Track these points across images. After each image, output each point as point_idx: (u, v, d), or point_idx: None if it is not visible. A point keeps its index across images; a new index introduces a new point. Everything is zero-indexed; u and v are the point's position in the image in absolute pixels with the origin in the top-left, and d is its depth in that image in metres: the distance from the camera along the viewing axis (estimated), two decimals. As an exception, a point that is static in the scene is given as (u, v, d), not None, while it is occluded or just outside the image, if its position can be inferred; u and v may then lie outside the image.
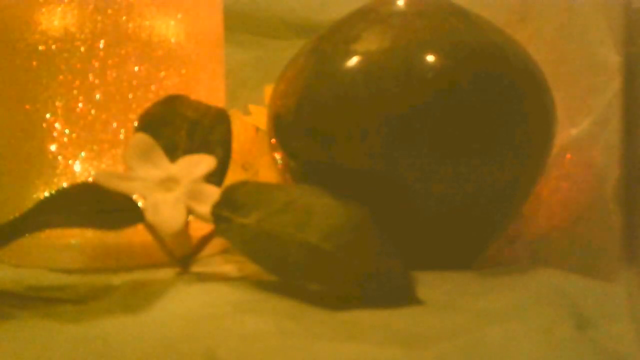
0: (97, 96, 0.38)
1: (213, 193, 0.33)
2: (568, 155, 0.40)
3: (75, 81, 0.38)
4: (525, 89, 0.34)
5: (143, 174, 0.33)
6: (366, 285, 0.28)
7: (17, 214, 0.30)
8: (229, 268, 0.36)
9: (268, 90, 0.44)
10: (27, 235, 0.31)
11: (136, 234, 0.34)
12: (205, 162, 0.33)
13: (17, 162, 0.39)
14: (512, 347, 0.23)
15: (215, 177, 0.34)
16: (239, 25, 0.59)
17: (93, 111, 0.38)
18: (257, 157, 0.46)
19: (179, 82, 0.40)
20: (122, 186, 0.32)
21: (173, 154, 0.34)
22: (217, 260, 0.38)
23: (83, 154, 0.38)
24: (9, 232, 0.30)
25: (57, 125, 0.38)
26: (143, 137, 0.34)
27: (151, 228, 0.33)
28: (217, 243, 0.38)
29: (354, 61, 0.34)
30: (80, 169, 0.38)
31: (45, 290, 0.32)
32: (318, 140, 0.34)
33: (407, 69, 0.33)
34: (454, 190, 0.33)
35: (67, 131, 0.38)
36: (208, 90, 0.42)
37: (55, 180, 0.38)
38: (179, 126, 0.36)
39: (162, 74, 0.39)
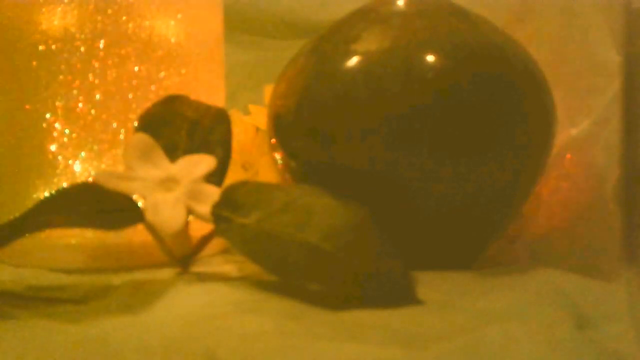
0: (97, 96, 0.38)
1: (213, 193, 0.33)
2: (568, 155, 0.40)
3: (75, 81, 0.38)
4: (525, 89, 0.34)
5: (143, 174, 0.33)
6: (366, 285, 0.28)
7: (17, 214, 0.30)
8: (229, 268, 0.36)
9: (268, 90, 0.44)
10: (27, 235, 0.31)
11: (136, 234, 0.34)
12: (205, 162, 0.33)
13: (17, 162, 0.39)
14: (512, 347, 0.23)
15: (215, 177, 0.34)
16: (239, 25, 0.59)
17: (93, 111, 0.38)
18: (257, 157, 0.46)
19: (179, 82, 0.40)
20: (122, 186, 0.32)
21: (173, 154, 0.34)
22: (217, 260, 0.38)
23: (83, 154, 0.38)
24: (9, 232, 0.30)
25: (57, 125, 0.38)
26: (143, 137, 0.34)
27: (151, 228, 0.33)
28: (217, 243, 0.38)
29: (354, 61, 0.34)
30: (80, 169, 0.38)
31: (45, 290, 0.32)
32: (318, 140, 0.34)
33: (407, 69, 0.33)
34: (454, 190, 0.33)
35: (67, 131, 0.38)
36: (208, 90, 0.42)
37: (55, 180, 0.38)
38: (179, 126, 0.36)
39: (162, 74, 0.39)
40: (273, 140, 0.37)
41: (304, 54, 0.37)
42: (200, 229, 0.34)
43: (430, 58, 0.33)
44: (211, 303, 0.28)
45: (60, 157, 0.38)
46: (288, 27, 0.61)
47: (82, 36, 0.38)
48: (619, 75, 0.36)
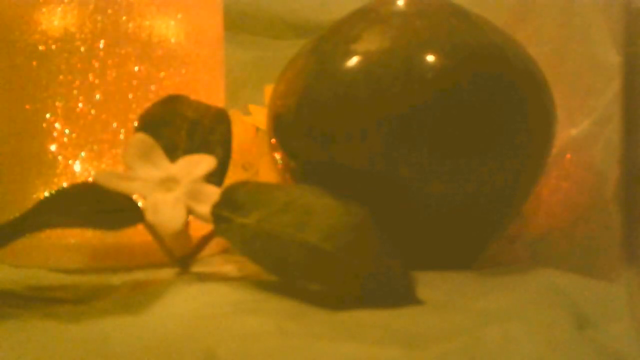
0: (97, 96, 0.38)
1: (213, 193, 0.33)
2: (568, 155, 0.40)
3: (75, 81, 0.38)
4: (525, 89, 0.34)
5: (143, 174, 0.33)
6: (366, 285, 0.28)
7: (17, 214, 0.30)
8: (229, 268, 0.36)
9: (268, 90, 0.44)
10: (27, 235, 0.31)
11: (136, 234, 0.34)
12: (205, 162, 0.33)
13: (17, 162, 0.39)
14: (512, 347, 0.23)
15: (215, 177, 0.34)
16: (239, 25, 0.59)
17: (93, 111, 0.38)
18: (257, 157, 0.46)
19: (179, 82, 0.40)
20: (122, 186, 0.32)
21: (173, 154, 0.34)
22: (217, 260, 0.38)
23: (83, 154, 0.38)
24: (9, 232, 0.30)
25: (57, 125, 0.38)
26: (143, 137, 0.34)
27: (151, 228, 0.33)
28: (217, 243, 0.38)
29: (354, 61, 0.34)
30: (80, 169, 0.38)
31: (45, 290, 0.32)
32: (318, 140, 0.34)
33: (407, 69, 0.33)
34: (454, 190, 0.33)
35: (67, 131, 0.38)
36: (208, 90, 0.42)
37: (55, 180, 0.38)
38: (179, 126, 0.36)
39: (162, 74, 0.39)
40: (273, 140, 0.37)
41: (304, 54, 0.37)
42: (200, 229, 0.34)
43: (430, 58, 0.33)
44: (211, 303, 0.28)
45: (60, 157, 0.38)
46: (288, 27, 0.61)
47: (82, 36, 0.38)
48: (619, 75, 0.36)
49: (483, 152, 0.33)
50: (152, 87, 0.39)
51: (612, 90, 0.38)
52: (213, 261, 0.38)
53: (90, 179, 0.38)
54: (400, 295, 0.28)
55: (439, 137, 0.33)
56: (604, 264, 0.36)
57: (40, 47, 0.38)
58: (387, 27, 0.35)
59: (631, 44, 0.32)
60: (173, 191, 0.33)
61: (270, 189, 0.33)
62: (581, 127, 0.39)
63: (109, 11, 0.38)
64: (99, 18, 0.38)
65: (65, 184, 0.38)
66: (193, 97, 0.38)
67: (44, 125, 0.38)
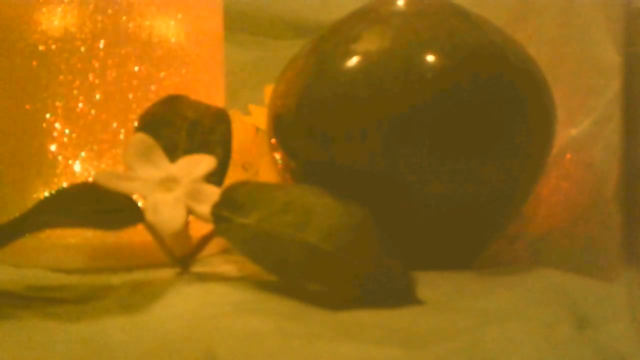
0: (97, 96, 0.38)
1: (213, 193, 0.33)
2: (568, 155, 0.40)
3: (75, 81, 0.38)
4: (525, 89, 0.34)
5: (143, 174, 0.33)
6: (366, 285, 0.28)
7: (17, 214, 0.30)
8: (229, 268, 0.36)
9: (268, 90, 0.44)
10: (27, 235, 0.31)
11: (136, 234, 0.34)
12: (205, 162, 0.33)
13: (17, 162, 0.39)
14: (512, 347, 0.23)
15: (215, 177, 0.34)
16: (239, 25, 0.59)
17: (93, 111, 0.38)
18: (257, 157, 0.46)
19: (179, 82, 0.40)
20: (122, 186, 0.32)
21: (173, 154, 0.34)
22: (217, 260, 0.38)
23: (83, 154, 0.38)
24: (9, 232, 0.30)
25: (57, 125, 0.38)
26: (143, 137, 0.34)
27: (151, 228, 0.33)
28: (217, 243, 0.38)
29: (354, 61, 0.34)
30: (80, 169, 0.38)
31: (45, 290, 0.32)
32: (318, 140, 0.34)
33: (407, 69, 0.33)
34: (454, 190, 0.33)
35: (67, 131, 0.38)
36: (208, 90, 0.42)
37: (55, 180, 0.38)
38: (179, 126, 0.36)
39: (162, 74, 0.39)
40: (273, 140, 0.37)
41: (304, 54, 0.37)
42: (200, 229, 0.34)
43: (430, 58, 0.33)
44: (211, 303, 0.28)
45: (60, 157, 0.38)
46: (288, 27, 0.61)
47: (82, 36, 0.38)
48: (619, 75, 0.36)
49: (483, 152, 0.33)
50: (152, 87, 0.39)
51: (612, 90, 0.38)
52: (213, 261, 0.38)
53: (90, 179, 0.38)
54: (400, 295, 0.28)
55: (439, 137, 0.33)
56: (604, 264, 0.36)
57: (40, 47, 0.38)
58: (387, 27, 0.35)
59: (631, 44, 0.32)
60: (173, 191, 0.33)
61: (270, 189, 0.33)
62: (581, 127, 0.39)
63: (109, 11, 0.38)
64: (99, 18, 0.38)
65: (65, 184, 0.38)
66: (193, 97, 0.38)
67: (44, 125, 0.38)
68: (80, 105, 0.38)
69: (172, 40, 0.40)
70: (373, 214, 0.30)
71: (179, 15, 0.40)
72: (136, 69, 0.39)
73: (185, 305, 0.28)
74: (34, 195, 0.38)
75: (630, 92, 0.31)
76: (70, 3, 0.38)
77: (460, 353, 0.23)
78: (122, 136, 0.38)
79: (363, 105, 0.33)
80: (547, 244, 0.40)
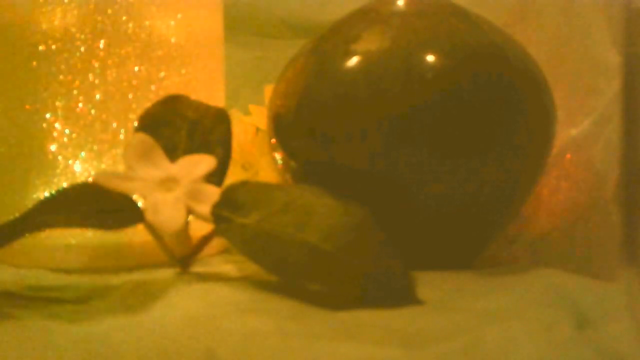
0: (97, 96, 0.38)
1: (213, 193, 0.33)
2: (568, 155, 0.40)
3: (75, 81, 0.38)
4: (525, 89, 0.34)
5: (143, 174, 0.33)
6: (366, 285, 0.28)
7: (17, 214, 0.30)
8: (229, 268, 0.36)
9: (268, 90, 0.44)
10: (27, 235, 0.31)
11: (136, 234, 0.34)
12: (205, 162, 0.33)
13: (17, 162, 0.39)
14: (512, 347, 0.23)
15: (215, 177, 0.34)
16: (239, 25, 0.59)
17: (93, 111, 0.38)
18: (257, 157, 0.46)
19: (179, 82, 0.40)
20: (122, 186, 0.32)
21: (173, 154, 0.34)
22: (217, 260, 0.38)
23: (83, 154, 0.38)
24: (9, 232, 0.30)
25: (57, 125, 0.38)
26: (143, 137, 0.34)
27: (151, 228, 0.33)
28: (217, 243, 0.38)
29: (354, 61, 0.34)
30: (80, 169, 0.38)
31: (45, 290, 0.32)
32: (318, 140, 0.34)
33: (407, 69, 0.33)
34: (454, 190, 0.33)
35: (67, 131, 0.38)
36: (208, 90, 0.42)
37: (55, 180, 0.38)
38: (179, 126, 0.36)
39: (162, 74, 0.39)
40: (273, 140, 0.37)
41: (304, 54, 0.37)
42: (200, 229, 0.34)
43: (430, 58, 0.33)
44: (211, 303, 0.28)
45: (60, 157, 0.38)
46: (288, 27, 0.61)
47: (82, 36, 0.38)
48: (619, 75, 0.36)
49: (483, 152, 0.33)
50: (152, 87, 0.39)
51: (612, 90, 0.38)
52: (213, 261, 0.38)
53: (90, 179, 0.38)
54: (400, 295, 0.28)
55: (439, 137, 0.33)
56: (604, 264, 0.36)
57: (40, 47, 0.38)
58: (387, 27, 0.35)
59: (631, 44, 0.32)
60: (173, 191, 0.33)
61: (270, 189, 0.33)
62: (581, 127, 0.39)
63: (109, 11, 0.38)
64: (99, 18, 0.38)
65: (65, 184, 0.38)
66: (193, 97, 0.38)
67: (44, 125, 0.38)
68: (80, 105, 0.38)
69: (172, 40, 0.40)
70: (373, 214, 0.30)
71: (179, 15, 0.40)
72: (136, 69, 0.39)
73: (185, 305, 0.28)
74: (34, 195, 0.38)
75: (630, 92, 0.31)
76: (70, 3, 0.38)
77: (460, 353, 0.23)
78: (122, 136, 0.38)
79: (363, 105, 0.33)
80: (547, 244, 0.39)
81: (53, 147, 0.38)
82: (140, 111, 0.37)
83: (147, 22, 0.39)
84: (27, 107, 0.38)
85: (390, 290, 0.28)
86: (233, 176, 0.37)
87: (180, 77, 0.40)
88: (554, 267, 0.33)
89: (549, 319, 0.25)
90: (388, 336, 0.24)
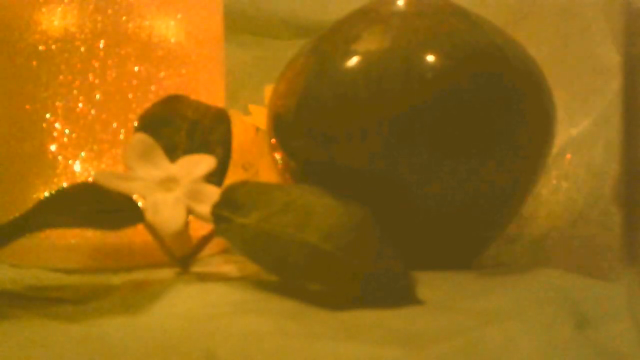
0: (97, 96, 0.38)
1: (213, 193, 0.33)
2: (568, 155, 0.40)
3: (75, 81, 0.38)
4: (525, 89, 0.34)
5: (143, 174, 0.33)
6: (366, 285, 0.28)
7: (17, 214, 0.30)
8: (229, 268, 0.36)
9: (268, 90, 0.44)
10: (27, 235, 0.31)
11: (136, 234, 0.34)
12: (205, 162, 0.33)
13: (17, 162, 0.39)
14: (512, 347, 0.23)
15: (215, 177, 0.34)
16: (239, 25, 0.59)
17: (93, 111, 0.38)
18: (257, 157, 0.46)
19: (179, 82, 0.40)
20: (122, 186, 0.32)
21: (173, 154, 0.34)
22: (217, 260, 0.38)
23: (83, 154, 0.38)
24: (9, 232, 0.30)
25: (57, 125, 0.38)
26: (143, 137, 0.34)
27: (151, 228, 0.33)
28: (217, 243, 0.38)
29: (354, 61, 0.34)
30: (80, 169, 0.38)
31: (45, 290, 0.32)
32: (318, 140, 0.34)
33: (407, 69, 0.33)
34: (454, 190, 0.33)
35: (67, 131, 0.38)
36: (208, 90, 0.42)
37: (55, 180, 0.38)
38: (179, 126, 0.36)
39: (162, 74, 0.39)
40: (273, 140, 0.37)
41: (304, 54, 0.37)
42: (200, 229, 0.34)
43: (430, 58, 0.33)
44: (211, 303, 0.28)
45: (60, 157, 0.38)
46: (288, 27, 0.61)
47: (82, 36, 0.38)
48: (619, 75, 0.36)
49: (483, 152, 0.33)
50: (152, 87, 0.39)
51: (612, 90, 0.38)
52: (213, 261, 0.38)
53: (90, 179, 0.38)
54: (400, 295, 0.28)
55: (439, 137, 0.33)
56: (604, 264, 0.36)
57: (40, 47, 0.38)
58: (387, 27, 0.35)
59: (631, 44, 0.32)
60: (173, 191, 0.33)
61: (270, 189, 0.33)
62: (581, 127, 0.39)
63: (109, 11, 0.38)
64: (99, 18, 0.38)
65: (65, 184, 0.38)
66: (193, 97, 0.38)
67: (44, 125, 0.38)
68: (80, 105, 0.38)
69: (172, 40, 0.40)
70: (373, 214, 0.30)
71: (179, 15, 0.40)
72: (136, 69, 0.39)
73: (185, 305, 0.28)
74: (34, 195, 0.38)
75: (630, 92, 0.31)
76: (70, 3, 0.38)
77: (460, 353, 0.23)
78: (122, 136, 0.38)
79: (363, 105, 0.33)
80: (547, 244, 0.39)
81: (53, 147, 0.38)
82: (140, 111, 0.37)
83: (147, 22, 0.39)
84: (27, 107, 0.38)
85: (390, 290, 0.28)
86: (233, 176, 0.37)
87: (180, 77, 0.40)
88: (554, 267, 0.33)
89: (549, 319, 0.25)
90: (388, 336, 0.24)
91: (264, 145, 0.45)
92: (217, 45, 0.43)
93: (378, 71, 0.33)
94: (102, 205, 0.32)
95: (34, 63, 0.38)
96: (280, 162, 0.37)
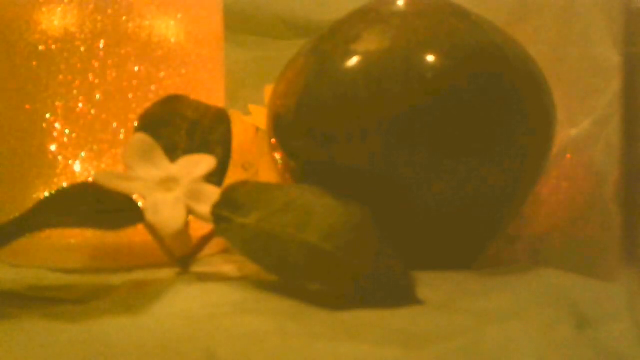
0: (97, 96, 0.38)
1: (213, 193, 0.33)
2: (568, 155, 0.40)
3: (75, 81, 0.38)
4: (525, 89, 0.34)
5: (143, 174, 0.33)
6: (366, 285, 0.28)
7: (17, 214, 0.30)
8: (229, 268, 0.36)
9: (268, 90, 0.44)
10: (27, 235, 0.31)
11: (136, 234, 0.34)
12: (205, 162, 0.33)
13: (17, 162, 0.39)
14: (512, 347, 0.23)
15: (215, 177, 0.34)
16: (239, 25, 0.59)
17: (93, 111, 0.38)
18: (257, 157, 0.46)
19: (179, 82, 0.40)
20: (122, 186, 0.32)
21: (173, 154, 0.34)
22: (217, 260, 0.38)
23: (83, 154, 0.38)
24: (9, 232, 0.30)
25: (57, 125, 0.38)
26: (143, 137, 0.34)
27: (151, 228, 0.33)
28: (217, 243, 0.38)
29: (354, 61, 0.34)
30: (80, 169, 0.38)
31: (45, 290, 0.32)
32: (318, 140, 0.34)
33: (407, 69, 0.33)
34: (454, 190, 0.33)
35: (67, 131, 0.38)
36: (208, 90, 0.42)
37: (55, 180, 0.38)
38: (179, 126, 0.36)
39: (162, 74, 0.39)
40: (273, 140, 0.37)
41: (304, 54, 0.37)
42: (200, 229, 0.34)
43: (430, 58, 0.33)
44: (211, 303, 0.28)
45: (60, 157, 0.38)
46: (288, 27, 0.61)
47: (82, 36, 0.38)
48: (619, 75, 0.36)
49: (483, 152, 0.33)
50: (152, 87, 0.39)
51: (612, 90, 0.38)
52: (213, 261, 0.38)
53: (90, 179, 0.38)
54: (400, 295, 0.28)
55: (439, 137, 0.33)
56: (604, 264, 0.36)
57: (40, 47, 0.38)
58: (387, 27, 0.35)
59: (631, 44, 0.32)
60: (173, 191, 0.33)
61: (270, 189, 0.33)
62: (581, 127, 0.39)
63: (109, 11, 0.38)
64: (99, 18, 0.38)
65: (65, 184, 0.38)
66: (193, 97, 0.38)
67: (44, 125, 0.38)
68: (80, 105, 0.38)
69: (172, 40, 0.40)
70: (373, 214, 0.30)
71: (179, 15, 0.40)
72: (136, 69, 0.39)
73: (185, 305, 0.28)
74: (34, 195, 0.38)
75: (630, 92, 0.31)
76: (70, 3, 0.38)
77: (460, 353, 0.23)
78: (122, 136, 0.38)
79: (363, 105, 0.33)
80: (547, 244, 0.39)
81: (53, 147, 0.38)
82: (140, 111, 0.37)
83: (147, 22, 0.39)
84: (27, 107, 0.38)
85: (390, 290, 0.28)
86: (233, 176, 0.37)
87: (180, 77, 0.40)
88: (554, 267, 0.33)
89: (549, 319, 0.25)
90: (388, 336, 0.24)
91: (264, 145, 0.45)
92: (217, 45, 0.43)
93: (378, 71, 0.33)
94: (102, 205, 0.32)
95: (34, 63, 0.38)
96: (280, 162, 0.37)
